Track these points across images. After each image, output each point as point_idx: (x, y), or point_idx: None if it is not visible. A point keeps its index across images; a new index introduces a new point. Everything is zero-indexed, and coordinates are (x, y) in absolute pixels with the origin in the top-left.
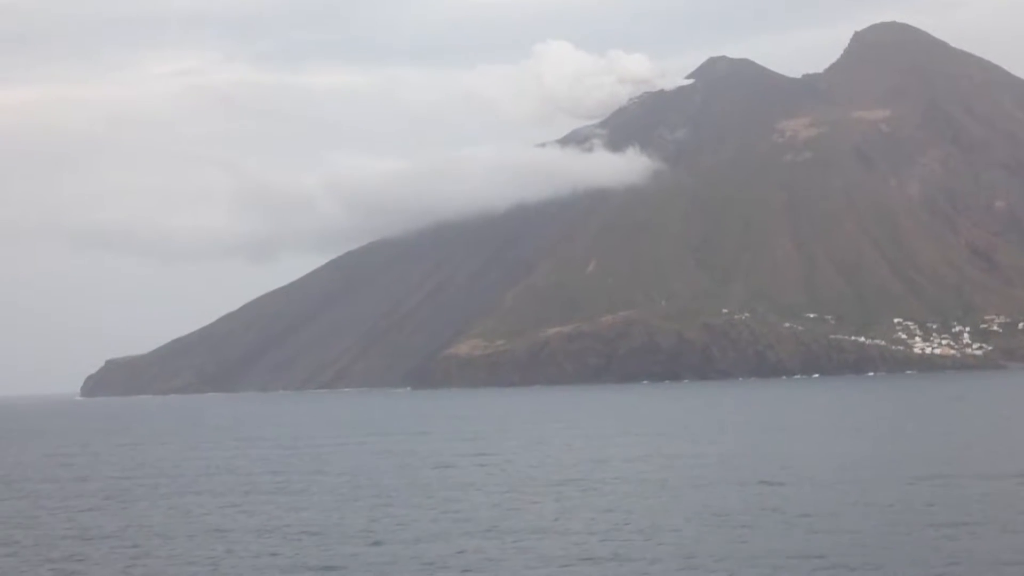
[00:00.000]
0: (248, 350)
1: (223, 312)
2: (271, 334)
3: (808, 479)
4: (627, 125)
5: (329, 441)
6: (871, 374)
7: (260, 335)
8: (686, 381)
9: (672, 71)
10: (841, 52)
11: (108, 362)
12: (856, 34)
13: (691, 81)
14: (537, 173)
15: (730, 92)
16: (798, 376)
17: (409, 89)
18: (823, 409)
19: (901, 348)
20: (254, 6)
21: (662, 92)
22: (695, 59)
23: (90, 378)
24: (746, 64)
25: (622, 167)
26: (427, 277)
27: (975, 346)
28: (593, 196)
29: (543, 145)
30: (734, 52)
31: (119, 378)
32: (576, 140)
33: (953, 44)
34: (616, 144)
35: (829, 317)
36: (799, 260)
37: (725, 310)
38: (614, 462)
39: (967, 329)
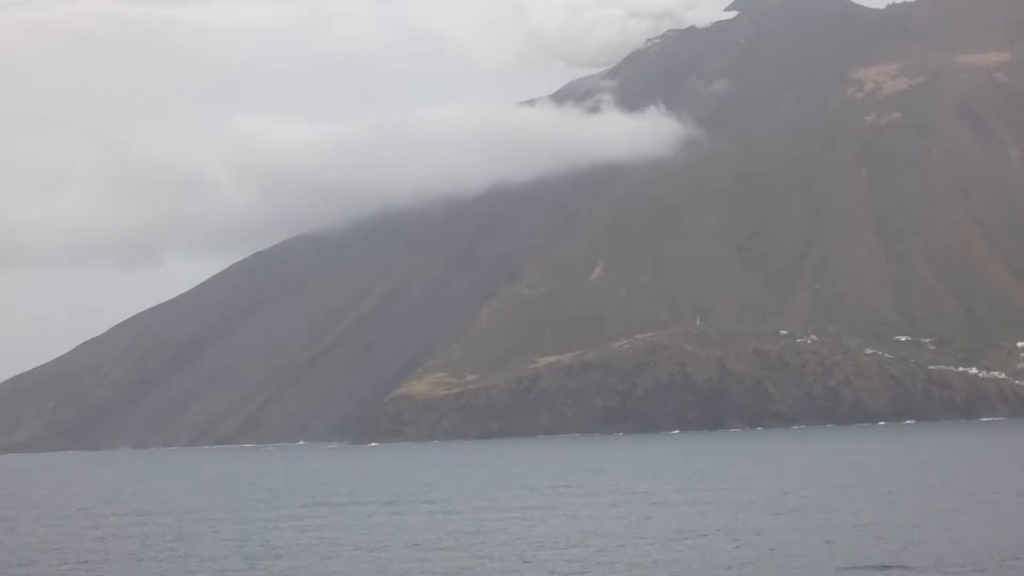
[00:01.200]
0: (118, 391)
1: (84, 337)
2: (151, 368)
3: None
4: (646, 75)
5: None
6: (987, 419)
7: (135, 369)
8: (733, 430)
9: (706, 0)
10: None
11: None
12: None
13: (733, 14)
14: (522, 142)
15: (787, 29)
16: (884, 422)
17: (343, 27)
18: (928, 468)
19: None
20: None
21: (693, 29)
22: None
23: None
24: None
25: (640, 133)
26: (370, 286)
27: None
28: (600, 173)
29: (531, 103)
30: None
31: None
32: (576, 96)
33: None
34: (631, 101)
35: (928, 340)
36: (886, 261)
37: (784, 331)
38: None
39: None
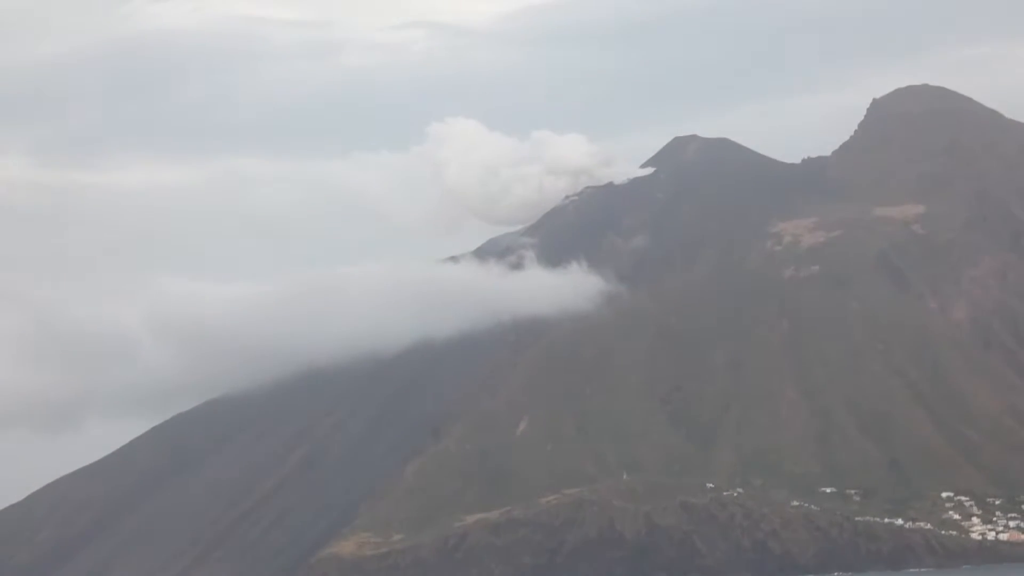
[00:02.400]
0: (40, 556)
1: (4, 503)
2: (72, 533)
3: None
4: (565, 232)
5: None
6: (914, 570)
7: (57, 534)
8: None
9: (622, 156)
10: (855, 127)
11: None
12: (875, 102)
13: (650, 170)
14: (446, 298)
15: (705, 185)
16: (812, 574)
17: (260, 187)
18: None
19: (954, 533)
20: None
21: (610, 186)
22: (654, 140)
23: None
24: (724, 145)
25: (562, 288)
26: (293, 446)
27: None
28: (524, 328)
29: (454, 259)
30: (707, 130)
31: None
32: (497, 252)
33: (1007, 114)
34: (553, 257)
35: (853, 492)
36: (809, 413)
37: (711, 484)
38: None
39: None
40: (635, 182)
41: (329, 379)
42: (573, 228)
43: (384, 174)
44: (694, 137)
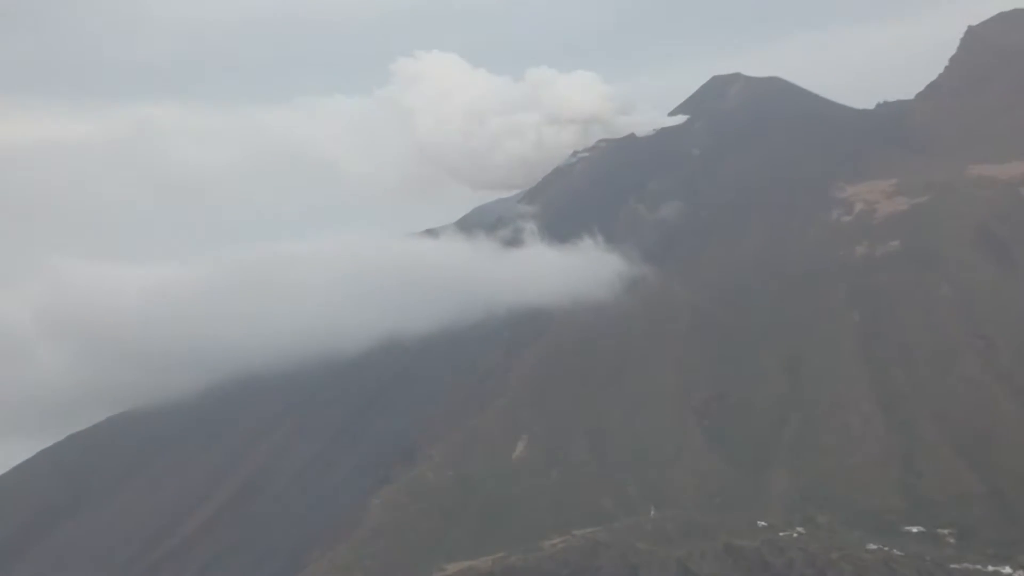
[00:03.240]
0: None
1: None
2: None
3: None
4: (573, 198)
5: None
6: None
7: None
8: None
9: (645, 101)
10: (945, 62)
11: None
12: (970, 31)
13: (682, 119)
14: (421, 283)
15: (752, 137)
16: None
17: (174, 140)
18: None
19: None
20: None
21: (632, 140)
22: (686, 79)
23: None
24: (776, 87)
25: (570, 271)
26: (224, 474)
27: None
28: (522, 322)
29: (431, 233)
30: (754, 67)
31: None
32: (486, 225)
33: None
34: (558, 231)
35: (946, 532)
36: (888, 429)
37: (763, 522)
38: None
39: None
40: (663, 134)
41: (272, 388)
42: (583, 194)
43: (338, 124)
44: (737, 76)
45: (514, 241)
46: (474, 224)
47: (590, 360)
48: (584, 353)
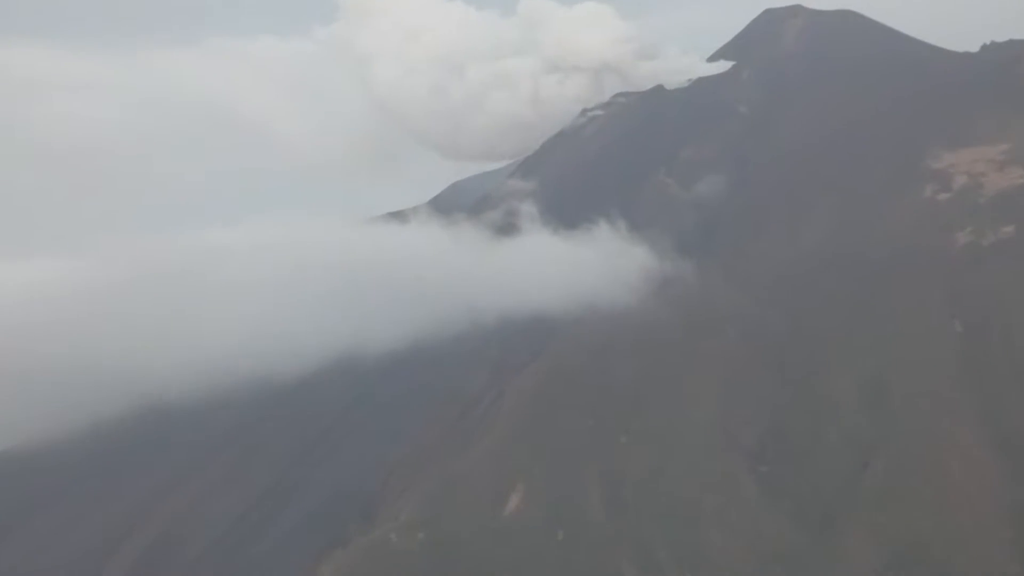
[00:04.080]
0: None
1: None
2: None
3: None
4: (583, 172)
5: None
6: None
7: None
8: None
9: (676, 43)
10: None
11: None
12: None
13: (726, 65)
14: (384, 283)
15: (818, 88)
16: None
17: (52, 94)
18: None
19: None
20: None
21: (659, 93)
22: (730, 13)
23: None
24: (848, 22)
25: (582, 263)
26: (125, 531)
27: None
28: (517, 333)
29: (398, 217)
30: None
31: None
32: (469, 206)
33: None
34: (563, 214)
35: None
36: (1000, 476)
37: None
38: None
39: None
40: (699, 85)
41: (192, 419)
42: (596, 165)
43: (267, 75)
44: (797, 8)
45: (505, 228)
46: (452, 206)
47: (605, 384)
48: (597, 375)
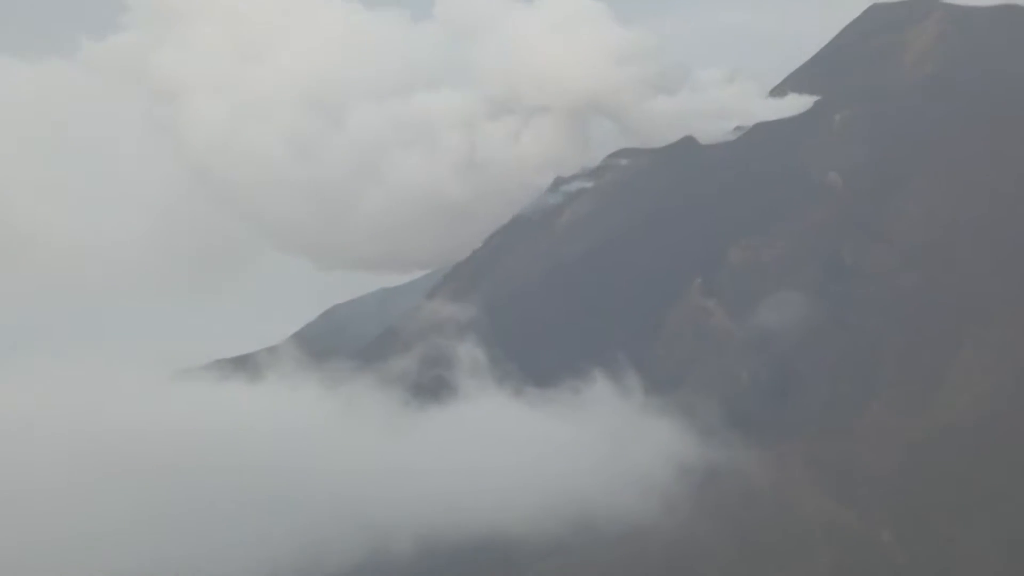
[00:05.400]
0: None
1: None
2: None
3: None
4: (565, 289)
5: None
6: None
7: None
8: None
9: (712, 59)
10: None
11: None
12: None
13: (799, 102)
14: (210, 483)
15: (968, 139)
16: None
17: None
18: None
19: None
20: None
21: (690, 148)
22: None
23: None
24: (1018, 24)
25: (561, 447)
26: None
27: None
28: (439, 569)
29: (242, 366)
30: None
31: None
32: (355, 348)
33: None
34: (532, 361)
35: None
36: None
37: None
38: None
39: None
40: (759, 137)
41: None
42: (582, 278)
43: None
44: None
45: (429, 387)
46: (329, 346)
47: None
48: None
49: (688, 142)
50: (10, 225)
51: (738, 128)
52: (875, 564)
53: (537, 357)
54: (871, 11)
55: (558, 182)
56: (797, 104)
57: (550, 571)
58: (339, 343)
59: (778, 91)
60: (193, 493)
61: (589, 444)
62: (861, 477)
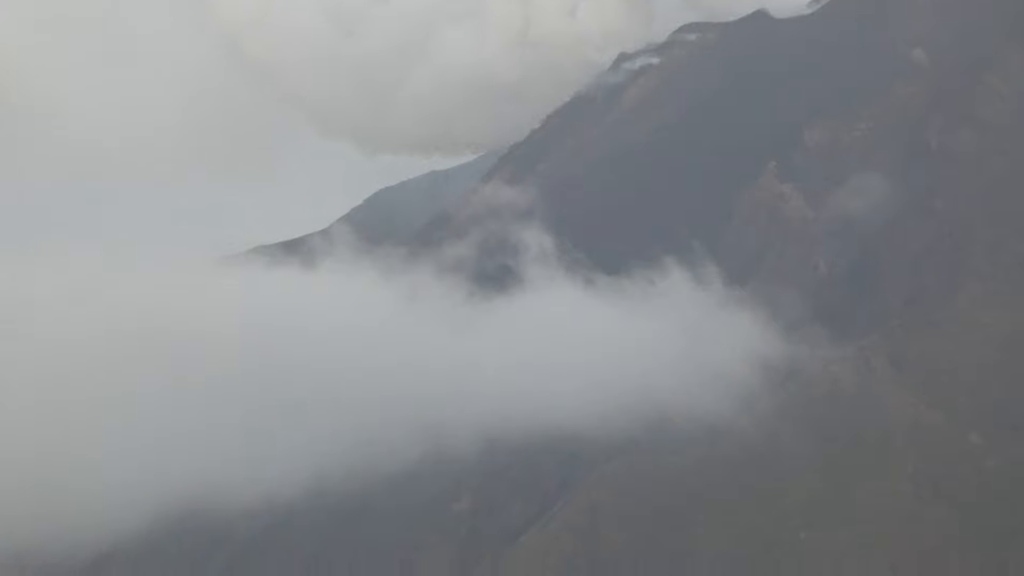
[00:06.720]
0: None
1: None
2: None
3: None
4: (631, 172)
5: None
6: None
7: None
8: None
9: None
10: None
11: None
12: None
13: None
14: (275, 376)
15: None
16: None
17: None
18: None
19: None
20: None
21: (761, 22)
22: None
23: None
24: None
25: (633, 343)
26: None
27: None
28: (515, 467)
29: (292, 250)
30: None
31: None
32: (411, 233)
33: None
34: (599, 248)
35: None
36: None
37: None
38: None
39: None
40: (841, 8)
41: None
42: (652, 160)
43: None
44: None
45: (492, 275)
46: (380, 231)
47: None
48: (668, 559)
49: (760, 15)
50: (38, 101)
51: (814, 1)
52: (963, 468)
53: (606, 245)
54: None
55: (621, 59)
56: None
57: (619, 471)
58: (390, 229)
59: None
60: (238, 389)
61: (664, 338)
62: (948, 375)
